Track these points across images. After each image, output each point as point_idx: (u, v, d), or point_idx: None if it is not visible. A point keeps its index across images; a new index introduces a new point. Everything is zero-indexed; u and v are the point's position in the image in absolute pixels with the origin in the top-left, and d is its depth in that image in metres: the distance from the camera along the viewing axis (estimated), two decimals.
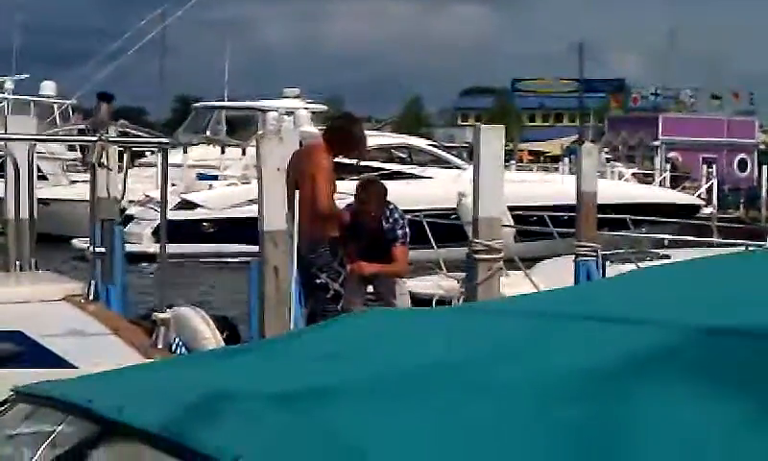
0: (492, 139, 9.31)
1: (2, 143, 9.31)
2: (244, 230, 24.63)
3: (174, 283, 18.70)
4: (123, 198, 8.55)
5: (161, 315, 6.76)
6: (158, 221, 24.94)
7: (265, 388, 2.60)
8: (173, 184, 26.95)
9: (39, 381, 3.06)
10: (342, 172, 10.28)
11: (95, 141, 7.36)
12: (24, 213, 8.76)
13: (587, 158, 11.36)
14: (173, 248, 21.91)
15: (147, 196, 26.00)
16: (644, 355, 2.56)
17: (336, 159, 9.44)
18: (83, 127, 10.21)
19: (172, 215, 25.27)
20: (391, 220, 9.56)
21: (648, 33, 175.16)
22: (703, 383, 2.37)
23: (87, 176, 30.50)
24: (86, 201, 27.17)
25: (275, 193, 7.67)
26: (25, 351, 6.41)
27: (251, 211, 25.03)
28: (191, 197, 26.60)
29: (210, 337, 6.85)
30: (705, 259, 4.19)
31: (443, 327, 3.18)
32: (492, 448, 2.17)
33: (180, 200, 26.26)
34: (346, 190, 9.98)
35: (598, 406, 2.28)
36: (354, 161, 9.33)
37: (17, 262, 8.53)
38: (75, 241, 25.58)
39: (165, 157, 7.36)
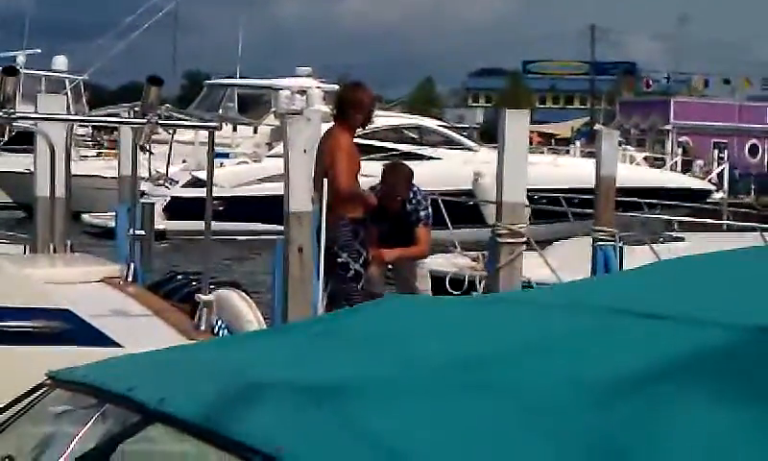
0: (517, 123, 9.32)
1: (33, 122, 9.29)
2: (253, 208, 24.71)
3: (187, 259, 18.76)
4: (167, 175, 8.50)
5: (205, 297, 6.77)
6: (169, 198, 25.07)
7: (299, 378, 2.58)
8: (183, 161, 26.95)
9: (80, 364, 3.06)
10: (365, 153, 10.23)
11: (144, 124, 7.34)
12: (59, 192, 8.74)
13: (606, 141, 11.33)
14: (187, 225, 21.91)
15: (158, 172, 26.00)
16: (682, 355, 2.52)
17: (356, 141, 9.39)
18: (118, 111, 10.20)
19: (182, 192, 25.52)
20: (414, 201, 9.61)
21: (661, 16, 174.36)
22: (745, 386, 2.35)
23: (94, 152, 30.37)
24: (97, 176, 26.95)
25: (300, 173, 7.68)
26: (74, 329, 6.44)
27: (261, 190, 25.26)
28: (201, 174, 26.57)
29: (253, 319, 6.86)
30: (730, 252, 4.14)
31: (468, 318, 3.16)
32: (515, 447, 2.16)
33: (190, 177, 26.23)
34: (371, 172, 9.99)
35: (627, 410, 2.25)
36: (361, 126, 9.16)
37: (51, 244, 8.53)
38: (85, 216, 25.60)
39: (212, 140, 7.32)
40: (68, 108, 33.07)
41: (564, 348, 2.66)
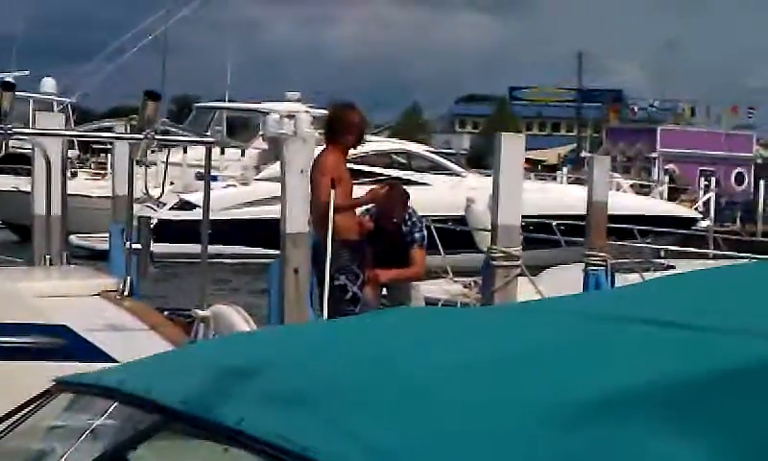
0: (512, 146, 9.34)
1: (31, 138, 9.32)
2: (242, 231, 24.68)
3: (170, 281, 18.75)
4: (162, 195, 8.53)
5: (201, 312, 6.79)
6: (156, 220, 25.05)
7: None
8: (171, 183, 26.91)
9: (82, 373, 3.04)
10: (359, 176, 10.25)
11: (141, 139, 7.32)
12: (55, 209, 8.75)
13: (598, 168, 11.39)
14: (175, 247, 21.91)
15: (146, 194, 25.88)
16: (673, 373, 2.49)
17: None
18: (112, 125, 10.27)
19: (170, 215, 25.43)
20: (409, 223, 9.61)
21: (648, 43, 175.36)
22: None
23: (82, 174, 30.19)
24: (83, 196, 26.83)
25: (296, 195, 7.70)
26: (70, 344, 6.45)
27: (250, 213, 25.21)
28: (189, 197, 26.53)
29: None
30: (727, 268, 4.15)
31: (464, 327, 3.17)
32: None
33: (178, 200, 26.19)
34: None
35: (605, 430, 2.22)
36: (353, 147, 9.15)
37: (47, 256, 8.52)
38: (73, 238, 25.54)
39: (209, 156, 7.33)
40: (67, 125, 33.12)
41: (555, 359, 2.65)
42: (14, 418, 2.96)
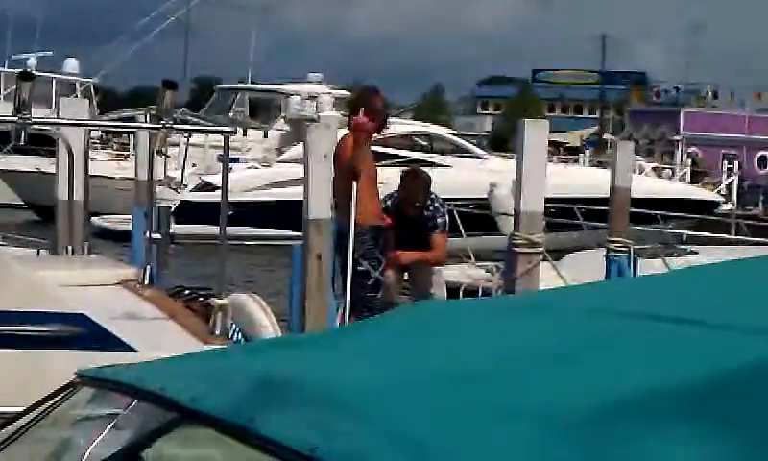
0: (536, 133, 9.28)
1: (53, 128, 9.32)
2: (264, 213, 24.68)
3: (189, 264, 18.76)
4: (183, 178, 8.56)
5: (219, 301, 6.78)
6: (178, 202, 25.13)
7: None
8: (193, 165, 26.95)
9: (102, 365, 3.05)
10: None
11: (159, 129, 7.35)
12: (77, 196, 8.77)
13: (621, 152, 11.32)
14: (197, 229, 21.96)
15: (167, 177, 25.99)
16: (692, 373, 2.46)
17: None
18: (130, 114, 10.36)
19: (191, 197, 25.47)
20: (431, 208, 9.62)
21: (673, 26, 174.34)
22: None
23: (104, 154, 30.34)
24: (105, 177, 26.92)
25: (319, 180, 7.69)
26: (88, 333, 6.45)
27: (271, 195, 25.22)
28: (211, 179, 26.57)
29: (268, 325, 6.86)
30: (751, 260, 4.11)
31: (486, 324, 3.15)
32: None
33: (200, 181, 26.21)
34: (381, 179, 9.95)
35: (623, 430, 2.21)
36: (377, 132, 9.11)
37: (70, 246, 8.55)
38: (95, 219, 25.59)
39: (227, 145, 7.34)
40: (92, 113, 33.27)
41: (570, 359, 2.63)
42: (38, 410, 2.96)
